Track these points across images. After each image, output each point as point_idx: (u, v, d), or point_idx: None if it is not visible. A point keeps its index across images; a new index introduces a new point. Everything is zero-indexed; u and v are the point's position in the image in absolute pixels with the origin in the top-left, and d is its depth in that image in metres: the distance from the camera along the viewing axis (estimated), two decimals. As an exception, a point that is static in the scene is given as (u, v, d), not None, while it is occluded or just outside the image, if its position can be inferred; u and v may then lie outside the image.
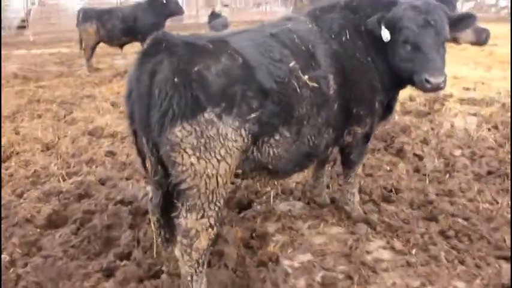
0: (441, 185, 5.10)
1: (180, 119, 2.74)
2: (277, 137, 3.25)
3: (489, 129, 7.00)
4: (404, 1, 3.73)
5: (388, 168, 5.68)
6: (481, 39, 16.05)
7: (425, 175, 5.45)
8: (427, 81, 3.50)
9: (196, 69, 2.81)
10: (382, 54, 3.75)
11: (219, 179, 2.94)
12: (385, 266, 3.70)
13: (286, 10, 37.78)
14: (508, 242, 3.94)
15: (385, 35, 3.58)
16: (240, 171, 3.26)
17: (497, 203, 4.69)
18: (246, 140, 3.02)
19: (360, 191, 4.87)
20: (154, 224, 3.50)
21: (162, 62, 2.80)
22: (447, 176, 5.39)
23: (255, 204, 4.80)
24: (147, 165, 3.09)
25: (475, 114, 7.77)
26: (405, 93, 6.48)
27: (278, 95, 3.13)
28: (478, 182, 5.21)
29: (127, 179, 5.19)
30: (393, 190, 5.00)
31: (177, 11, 13.97)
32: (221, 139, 2.86)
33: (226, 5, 35.42)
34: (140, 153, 3.15)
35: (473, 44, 15.67)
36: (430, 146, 6.33)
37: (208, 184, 2.92)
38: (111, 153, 6.15)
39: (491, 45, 15.46)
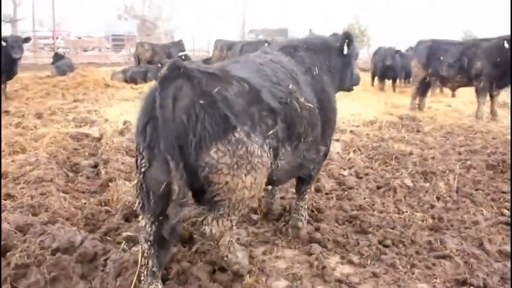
0: (351, 201, 5.13)
1: (215, 140, 2.69)
2: (283, 150, 3.26)
3: (354, 152, 7.42)
4: None
5: (294, 190, 5.55)
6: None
7: (328, 194, 5.46)
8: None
9: (216, 90, 2.75)
10: (336, 86, 4.30)
11: (246, 191, 2.92)
12: (356, 279, 3.49)
13: (122, 54, 36.54)
14: (436, 244, 4.07)
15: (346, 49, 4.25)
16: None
17: (403, 212, 4.86)
18: (268, 155, 3.03)
19: (290, 212, 4.66)
20: (143, 253, 3.02)
21: (182, 88, 2.70)
22: (346, 193, 5.46)
23: (195, 236, 4.19)
24: (175, 189, 2.69)
25: (337, 140, 8.18)
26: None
27: (284, 114, 3.17)
28: (375, 196, 5.38)
29: (50, 222, 4.10)
30: (314, 210, 4.86)
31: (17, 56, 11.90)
32: (249, 156, 2.84)
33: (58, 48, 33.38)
34: (148, 183, 2.85)
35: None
36: (319, 168, 6.39)
37: (237, 196, 2.91)
38: (9, 196, 4.86)
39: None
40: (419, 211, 4.93)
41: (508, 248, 4.03)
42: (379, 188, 5.67)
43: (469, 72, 10.29)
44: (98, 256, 3.48)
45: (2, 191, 4.94)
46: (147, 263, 2.98)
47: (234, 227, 3.13)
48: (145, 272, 3.00)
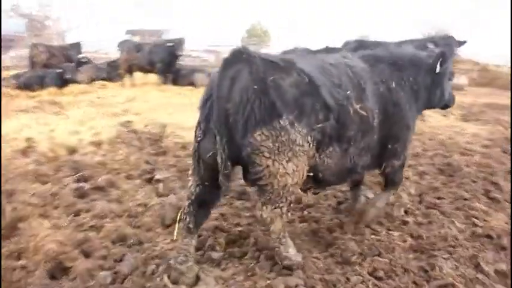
0: (318, 224, 4.56)
1: (260, 125, 2.94)
2: (331, 149, 3.43)
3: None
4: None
5: (248, 214, 4.86)
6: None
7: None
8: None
9: (272, 78, 3.00)
10: (417, 103, 4.24)
11: (288, 177, 3.15)
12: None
13: (9, 56, 32.93)
14: (432, 271, 3.63)
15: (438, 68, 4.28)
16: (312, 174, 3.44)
17: (377, 232, 4.39)
18: (311, 146, 3.23)
19: (256, 247, 3.97)
20: (184, 208, 3.49)
21: (242, 71, 2.99)
22: (307, 213, 4.89)
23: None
24: (219, 160, 3.06)
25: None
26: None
27: (338, 113, 3.34)
28: (340, 214, 4.86)
29: None
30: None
31: None
32: (290, 144, 3.06)
33: None
34: (200, 151, 3.26)
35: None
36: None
37: (280, 182, 3.14)
38: None
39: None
40: (393, 229, 4.49)
41: (503, 266, 3.73)
42: (340, 203, 5.19)
43: (395, 73, 10.33)
44: None
45: None
46: (185, 219, 3.42)
47: (285, 215, 3.35)
48: (182, 226, 3.47)
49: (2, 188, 5.13)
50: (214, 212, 4.68)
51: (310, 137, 3.18)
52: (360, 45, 10.69)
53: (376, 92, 3.79)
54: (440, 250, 4.01)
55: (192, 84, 16.67)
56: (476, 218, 4.80)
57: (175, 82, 16.68)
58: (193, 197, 3.39)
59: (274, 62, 3.14)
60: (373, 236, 4.28)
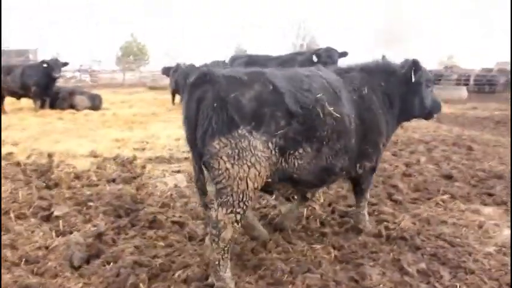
0: (239, 245, 4.42)
1: (218, 134, 3.20)
2: (300, 150, 3.57)
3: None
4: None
5: (163, 244, 4.56)
6: (95, 104, 16.21)
7: (202, 240, 4.64)
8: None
9: (232, 95, 3.24)
10: (392, 109, 4.51)
11: (249, 181, 3.30)
12: None
13: None
14: (363, 281, 3.69)
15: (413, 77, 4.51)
16: (270, 180, 3.54)
17: (301, 247, 4.38)
18: (273, 152, 3.40)
19: (181, 279, 3.71)
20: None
21: (208, 91, 3.25)
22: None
23: None
24: (193, 171, 3.64)
25: (179, 172, 7.32)
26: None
27: (303, 117, 3.51)
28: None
29: None
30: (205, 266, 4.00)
31: None
32: (251, 149, 3.25)
33: None
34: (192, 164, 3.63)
35: (90, 108, 15.62)
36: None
37: (239, 185, 3.28)
38: None
39: (105, 109, 15.86)
40: (315, 242, 4.51)
41: (423, 265, 3.94)
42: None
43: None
44: None
45: None
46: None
47: (238, 225, 3.39)
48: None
49: None
50: (128, 246, 4.31)
51: (272, 143, 3.36)
52: (250, 60, 10.95)
53: (351, 99, 4.04)
54: (364, 258, 4.13)
55: (73, 107, 15.64)
56: (387, 221, 5.05)
57: (54, 106, 15.45)
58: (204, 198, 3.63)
59: (238, 78, 3.37)
60: (297, 252, 4.26)
